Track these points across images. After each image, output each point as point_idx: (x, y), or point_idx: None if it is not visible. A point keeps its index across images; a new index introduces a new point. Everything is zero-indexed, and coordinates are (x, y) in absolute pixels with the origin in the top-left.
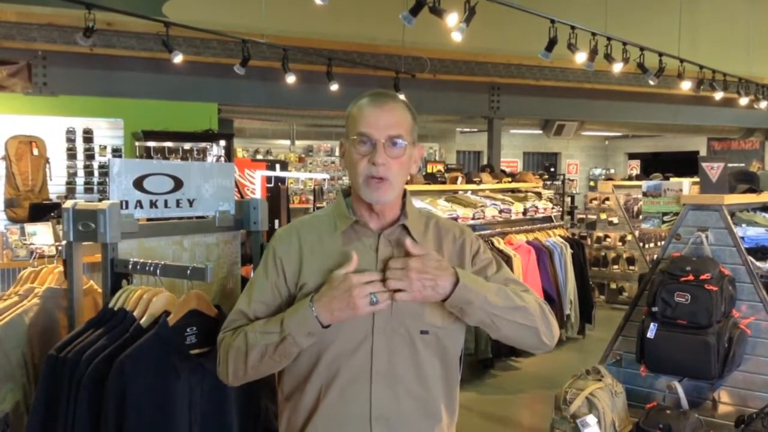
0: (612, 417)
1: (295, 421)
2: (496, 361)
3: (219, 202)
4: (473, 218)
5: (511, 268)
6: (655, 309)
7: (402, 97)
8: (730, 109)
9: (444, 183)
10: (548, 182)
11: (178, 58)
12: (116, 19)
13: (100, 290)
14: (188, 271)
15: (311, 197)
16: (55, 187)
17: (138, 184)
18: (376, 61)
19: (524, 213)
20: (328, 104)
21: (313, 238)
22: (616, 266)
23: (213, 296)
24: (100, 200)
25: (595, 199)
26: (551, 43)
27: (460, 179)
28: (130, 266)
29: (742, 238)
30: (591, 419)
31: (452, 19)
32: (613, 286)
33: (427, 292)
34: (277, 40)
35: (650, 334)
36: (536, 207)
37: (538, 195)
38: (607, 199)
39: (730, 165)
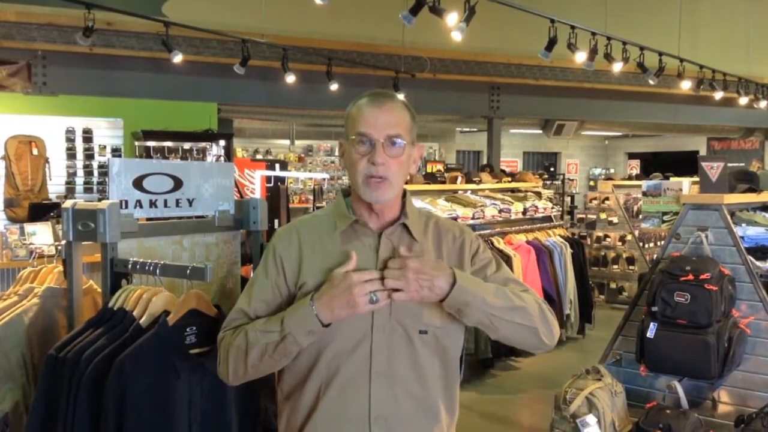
0: (612, 417)
1: (294, 420)
2: (496, 361)
3: (219, 201)
4: (473, 218)
5: (511, 268)
6: (654, 309)
7: (401, 96)
8: (730, 108)
9: (444, 183)
10: (548, 182)
11: (177, 58)
12: (116, 19)
13: (99, 290)
14: (188, 271)
15: (311, 197)
16: (55, 187)
17: (137, 183)
18: (375, 61)
19: (524, 213)
20: (328, 104)
21: (313, 238)
22: (615, 266)
23: (213, 296)
24: (99, 200)
25: (595, 198)
26: (551, 43)
27: (459, 179)
28: (130, 266)
29: (742, 237)
30: (591, 419)
31: (452, 18)
32: (613, 285)
33: (424, 292)
34: (277, 40)
35: (650, 333)
36: (536, 207)
37: (538, 195)
38: (607, 198)
39: (729, 165)
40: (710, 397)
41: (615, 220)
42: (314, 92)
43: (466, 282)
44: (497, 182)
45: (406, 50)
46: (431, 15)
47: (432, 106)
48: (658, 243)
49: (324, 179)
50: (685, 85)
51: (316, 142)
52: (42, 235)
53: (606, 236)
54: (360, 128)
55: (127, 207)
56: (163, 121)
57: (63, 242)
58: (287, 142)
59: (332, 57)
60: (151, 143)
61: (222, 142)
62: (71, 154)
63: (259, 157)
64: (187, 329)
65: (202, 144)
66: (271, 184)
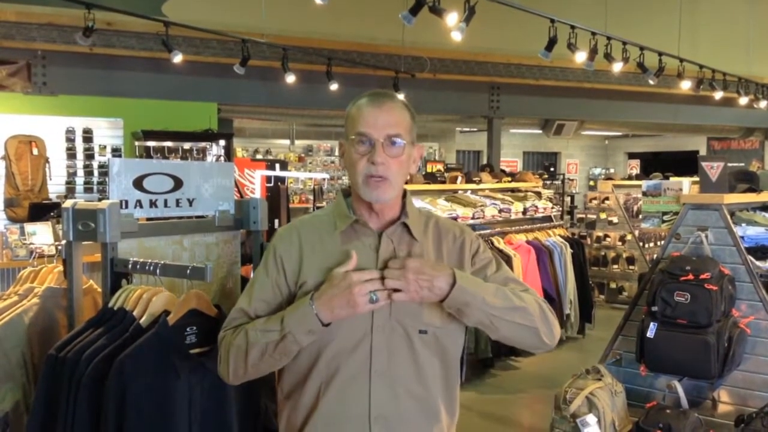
0: (612, 416)
1: (294, 420)
2: (496, 361)
3: (219, 201)
4: (473, 218)
5: (511, 268)
6: (654, 308)
7: (401, 96)
8: (730, 108)
9: (444, 182)
10: (548, 182)
11: (177, 58)
12: (116, 19)
13: (99, 290)
14: (188, 271)
15: (311, 197)
16: (55, 187)
17: (138, 183)
18: (375, 61)
19: (524, 212)
20: (328, 104)
21: (313, 237)
22: (615, 266)
23: (213, 296)
24: (99, 200)
25: (595, 198)
26: (551, 43)
27: (459, 179)
28: (130, 266)
29: (742, 237)
30: (591, 419)
31: (452, 18)
32: (613, 285)
33: (423, 292)
34: (277, 40)
35: (650, 333)
36: (536, 206)
37: (538, 194)
38: (607, 198)
39: (729, 164)
40: (710, 396)
41: (615, 220)
42: (314, 92)
43: (466, 282)
44: (497, 182)
45: (406, 50)
46: (431, 15)
47: (432, 106)
48: (658, 243)
49: (324, 179)
50: (685, 85)
51: (316, 142)
52: (42, 234)
53: (606, 236)
54: (360, 128)
55: (127, 207)
56: (163, 121)
57: (63, 242)
58: (287, 142)
59: (332, 57)
60: (151, 143)
61: (222, 142)
62: (71, 154)
63: (259, 157)
64: (188, 329)
65: (202, 144)
66: (271, 184)
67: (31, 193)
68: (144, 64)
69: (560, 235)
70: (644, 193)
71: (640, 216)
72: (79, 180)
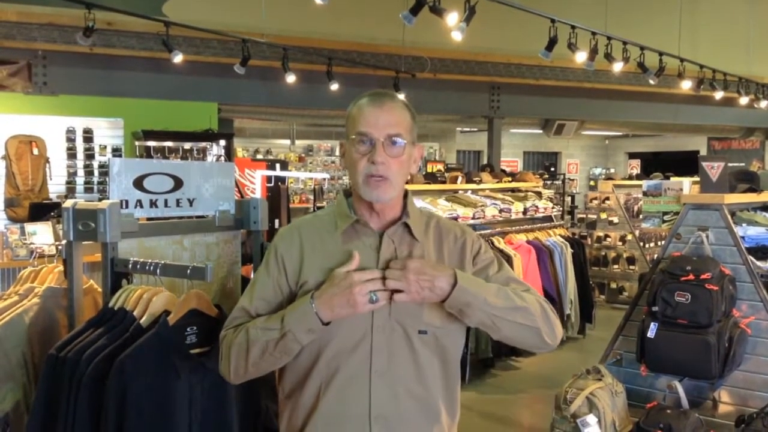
0: (612, 416)
1: (295, 419)
2: (497, 361)
3: (219, 201)
4: (473, 218)
5: (512, 268)
6: (655, 308)
7: (402, 96)
8: (731, 108)
9: (444, 182)
10: (548, 182)
11: (178, 58)
12: (116, 19)
13: (100, 290)
14: (188, 271)
15: (311, 197)
16: (55, 187)
17: (138, 183)
18: (376, 61)
19: (524, 212)
20: (328, 104)
21: (314, 237)
22: (616, 266)
23: (213, 296)
24: (100, 200)
25: (596, 198)
26: (551, 43)
27: (460, 179)
28: (130, 266)
29: (743, 237)
30: (591, 419)
31: (452, 18)
32: (614, 285)
33: (425, 293)
34: (277, 40)
35: (650, 333)
36: (536, 206)
37: (539, 194)
38: (608, 198)
39: (730, 164)
40: (711, 397)
41: (615, 219)
42: (314, 92)
43: (468, 282)
44: (497, 182)
45: (406, 50)
46: (431, 15)
47: (432, 106)
48: (659, 243)
49: (324, 179)
50: (686, 85)
51: (316, 141)
52: (42, 234)
53: (606, 236)
54: (360, 128)
55: (127, 207)
56: (164, 120)
57: (63, 242)
58: (287, 141)
59: (332, 57)
60: (151, 143)
61: (222, 142)
62: (72, 154)
63: (259, 156)
64: (188, 329)
65: (203, 144)
66: (272, 184)
67: (31, 192)
68: (144, 64)
69: (561, 235)
70: (645, 193)
71: (641, 216)
72: (80, 180)
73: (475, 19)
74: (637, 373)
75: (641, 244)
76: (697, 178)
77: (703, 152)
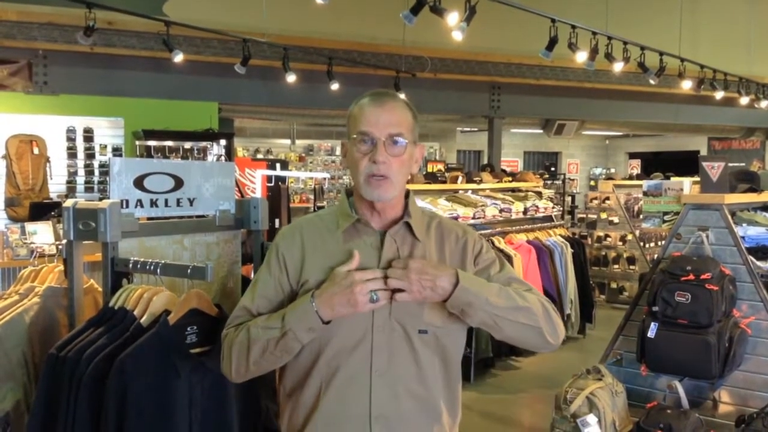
0: (612, 416)
1: (296, 418)
2: (497, 361)
3: (219, 201)
4: (474, 218)
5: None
6: (655, 308)
7: (403, 96)
8: (731, 108)
9: (444, 182)
10: (549, 181)
11: (178, 58)
12: (117, 18)
13: (100, 289)
14: (189, 270)
15: (311, 196)
16: (56, 186)
17: (138, 183)
18: (376, 61)
19: (525, 212)
20: (329, 103)
21: (315, 236)
22: (616, 266)
23: (213, 295)
24: (100, 199)
25: (596, 198)
26: (552, 43)
27: (460, 178)
28: (131, 265)
29: (743, 237)
30: (591, 419)
31: (453, 18)
32: (614, 285)
33: (426, 292)
34: (278, 40)
35: (651, 333)
36: (537, 206)
37: (539, 194)
38: (608, 198)
39: (730, 164)
40: (711, 397)
41: (616, 219)
42: (315, 92)
43: (469, 282)
44: (498, 182)
45: (406, 50)
46: (432, 15)
47: (433, 106)
48: (659, 243)
49: (325, 179)
50: (686, 85)
51: (316, 141)
52: (43, 234)
53: (607, 236)
54: (362, 127)
55: (127, 206)
56: (164, 120)
57: (64, 241)
58: (288, 141)
59: (333, 56)
60: (151, 143)
61: (223, 142)
62: (72, 154)
63: (259, 156)
64: (188, 329)
65: (203, 143)
66: (272, 184)
67: (31, 192)
68: (145, 64)
69: (561, 235)
70: (645, 193)
71: (641, 216)
72: (80, 179)
73: (475, 19)
74: (637, 373)
75: (641, 244)
76: (697, 178)
77: (704, 152)
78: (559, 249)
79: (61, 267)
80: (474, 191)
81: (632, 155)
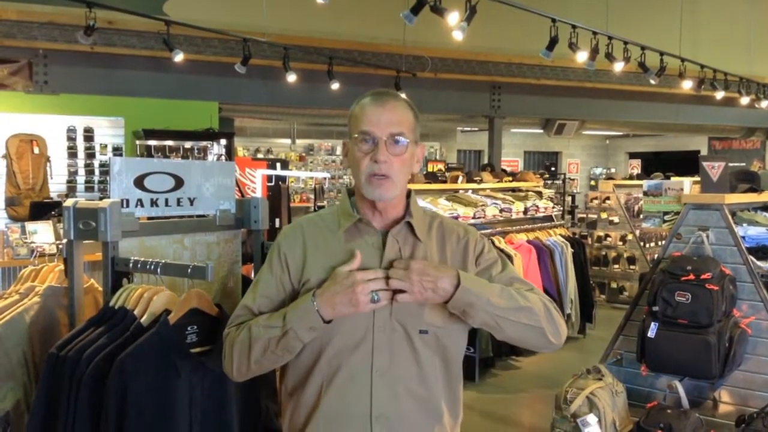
0: (612, 416)
1: (297, 417)
2: (497, 360)
3: (220, 200)
4: (474, 217)
5: None
6: (655, 308)
7: (404, 96)
8: (731, 108)
9: (445, 182)
10: (549, 181)
11: (178, 57)
12: (117, 18)
13: (100, 289)
14: (189, 270)
15: (312, 196)
16: (56, 186)
17: (139, 182)
18: (377, 60)
19: (525, 212)
20: (329, 103)
21: (317, 236)
22: (616, 265)
23: (214, 295)
24: (100, 199)
25: (596, 198)
26: (552, 42)
27: (460, 178)
28: (131, 265)
29: (743, 237)
30: (591, 418)
31: (453, 18)
32: (614, 285)
33: (427, 293)
34: (278, 39)
35: (651, 333)
36: (537, 206)
37: (539, 194)
38: (608, 198)
39: (731, 164)
40: (711, 396)
41: (616, 219)
42: (315, 91)
43: (471, 283)
44: (498, 182)
45: (407, 49)
46: (432, 14)
47: (433, 106)
48: (659, 243)
49: (325, 178)
50: (687, 85)
51: (317, 141)
52: (43, 233)
53: (607, 236)
54: (363, 126)
55: (128, 206)
56: (165, 120)
57: (64, 241)
58: (288, 141)
59: (333, 56)
60: (152, 142)
61: (223, 141)
62: (72, 153)
63: (260, 156)
64: (188, 328)
65: (203, 143)
66: (272, 183)
67: (32, 191)
68: (145, 63)
69: (561, 235)
70: (645, 193)
71: (641, 216)
72: (80, 179)
73: (475, 19)
74: (637, 373)
75: (642, 243)
76: (697, 178)
77: (704, 152)
78: (559, 249)
79: (62, 266)
80: (474, 191)
81: (632, 155)
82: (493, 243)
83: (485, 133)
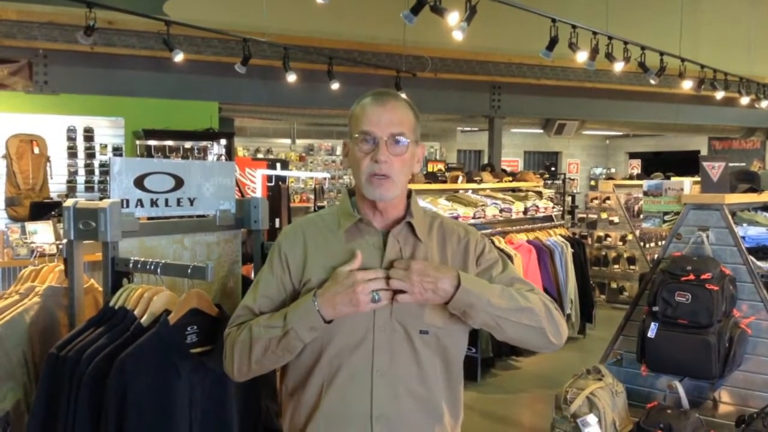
0: (612, 416)
1: (298, 417)
2: (497, 360)
3: (220, 200)
4: (474, 217)
5: None
6: (655, 308)
7: (404, 96)
8: (731, 108)
9: (445, 182)
10: (549, 181)
11: (178, 57)
12: (117, 18)
13: (100, 289)
14: (189, 270)
15: (312, 196)
16: (56, 186)
17: (139, 182)
18: (377, 60)
19: (525, 212)
20: (329, 103)
21: (317, 236)
22: (616, 266)
23: (214, 295)
24: (100, 199)
25: (596, 198)
26: (552, 42)
27: (460, 178)
28: (131, 265)
29: (743, 237)
30: (591, 419)
31: (453, 18)
32: (614, 285)
33: (428, 294)
34: (278, 39)
35: (651, 333)
36: (537, 206)
37: (539, 194)
38: (608, 198)
39: (731, 164)
40: (711, 397)
41: (616, 219)
42: (315, 91)
43: (471, 284)
44: (498, 182)
45: (407, 49)
46: (432, 14)
47: (433, 106)
48: (659, 243)
49: (325, 178)
50: (687, 85)
51: (317, 141)
52: (43, 233)
53: (607, 236)
54: (363, 126)
55: (128, 206)
56: (165, 120)
57: (64, 241)
58: (288, 141)
59: (333, 56)
60: (152, 142)
61: (223, 141)
62: (72, 153)
63: (260, 156)
64: (188, 328)
65: (203, 143)
66: (272, 184)
67: (32, 192)
68: (145, 63)
69: (561, 235)
70: (645, 193)
71: (641, 216)
72: (80, 179)
73: (475, 19)
74: (637, 373)
75: (642, 244)
76: (697, 178)
77: (704, 152)
78: (559, 249)
79: (62, 267)
80: (474, 191)
81: (632, 155)
82: (493, 243)
83: (485, 133)
